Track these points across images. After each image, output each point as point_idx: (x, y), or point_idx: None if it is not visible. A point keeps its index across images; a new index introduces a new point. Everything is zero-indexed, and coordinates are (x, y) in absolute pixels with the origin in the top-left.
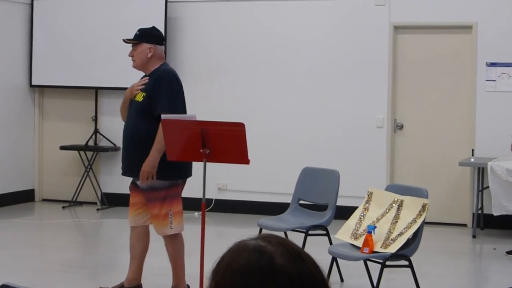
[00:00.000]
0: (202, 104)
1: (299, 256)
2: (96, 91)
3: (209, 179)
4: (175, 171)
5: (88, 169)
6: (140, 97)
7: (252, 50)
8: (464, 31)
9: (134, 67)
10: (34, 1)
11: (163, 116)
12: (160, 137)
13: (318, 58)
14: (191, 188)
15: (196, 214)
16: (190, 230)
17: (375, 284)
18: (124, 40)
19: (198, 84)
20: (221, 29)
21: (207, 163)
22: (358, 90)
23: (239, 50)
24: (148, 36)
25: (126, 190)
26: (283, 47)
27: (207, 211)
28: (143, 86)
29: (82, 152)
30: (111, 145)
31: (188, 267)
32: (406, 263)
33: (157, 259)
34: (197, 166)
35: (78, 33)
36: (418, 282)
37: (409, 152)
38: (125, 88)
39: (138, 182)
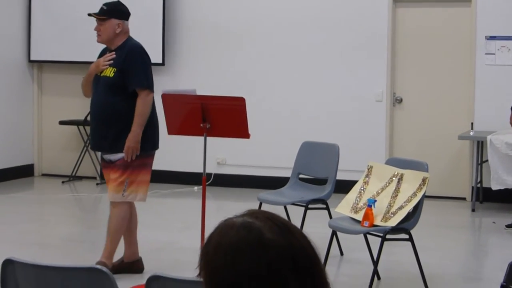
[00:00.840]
0: (202, 78)
1: (288, 229)
2: None
3: (208, 153)
4: (146, 144)
5: (87, 144)
6: (110, 72)
7: (252, 24)
8: (463, 5)
9: (99, 41)
10: None
11: (163, 91)
12: (141, 111)
13: (318, 32)
14: (190, 163)
15: (196, 188)
16: (189, 204)
17: (375, 257)
18: (90, 15)
19: (199, 58)
20: (220, 2)
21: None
22: (357, 64)
23: (240, 24)
24: (116, 12)
25: None
26: (283, 21)
27: (207, 185)
28: (111, 61)
29: (81, 127)
30: None
31: (187, 241)
32: (406, 236)
33: (155, 233)
34: (197, 141)
35: (76, 7)
36: (418, 256)
37: (409, 126)
38: None
39: (108, 156)
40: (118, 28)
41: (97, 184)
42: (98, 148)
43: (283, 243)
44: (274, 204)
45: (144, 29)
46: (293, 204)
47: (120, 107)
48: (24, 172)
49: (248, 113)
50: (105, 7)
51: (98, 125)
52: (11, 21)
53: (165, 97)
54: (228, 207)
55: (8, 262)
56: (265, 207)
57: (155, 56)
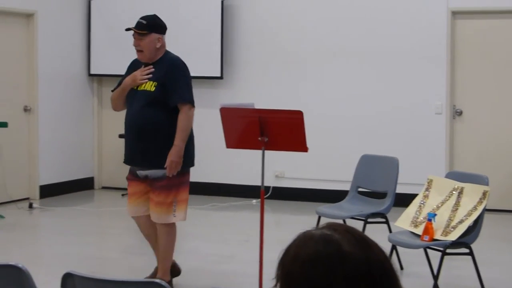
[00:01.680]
0: (260, 91)
1: (366, 243)
2: None
3: (267, 166)
4: (186, 160)
5: None
6: (150, 87)
7: (308, 36)
8: None
9: (140, 58)
10: None
11: (221, 104)
12: (184, 126)
13: (376, 44)
14: (249, 176)
15: (254, 201)
16: (247, 217)
17: (435, 272)
18: (130, 29)
19: (255, 71)
20: (277, 16)
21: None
22: (417, 76)
23: (295, 36)
24: (156, 26)
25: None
26: (340, 33)
27: (265, 198)
28: (150, 75)
29: None
30: None
31: (246, 254)
32: (467, 250)
33: (213, 246)
34: (255, 154)
35: (130, 21)
36: (479, 270)
37: (469, 138)
38: None
39: (144, 172)
40: (158, 43)
41: None
42: (135, 163)
43: (360, 257)
44: (332, 218)
45: (202, 42)
46: (352, 218)
47: (161, 122)
48: (84, 185)
49: (306, 126)
50: (144, 22)
51: (137, 140)
52: (72, 36)
53: (224, 110)
54: (287, 220)
55: (68, 276)
56: (324, 221)
57: (213, 69)
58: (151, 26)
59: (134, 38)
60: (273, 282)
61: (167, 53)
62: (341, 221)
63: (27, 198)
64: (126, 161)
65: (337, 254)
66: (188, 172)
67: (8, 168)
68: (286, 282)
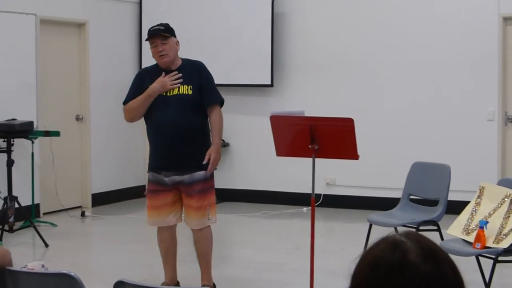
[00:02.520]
0: (311, 99)
1: (434, 256)
2: None
3: (318, 174)
4: None
5: None
6: (187, 90)
7: (358, 43)
8: None
9: (165, 62)
10: (143, 0)
11: (271, 112)
12: (220, 125)
13: (427, 51)
14: (299, 184)
15: (305, 209)
16: (298, 225)
17: (487, 279)
18: (154, 34)
19: (306, 79)
20: (327, 23)
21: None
22: (468, 82)
23: (346, 43)
24: (172, 31)
25: (236, 185)
26: (390, 40)
27: (316, 206)
28: (180, 80)
29: None
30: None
31: (297, 262)
32: None
33: (264, 254)
34: (306, 162)
35: (181, 30)
36: None
37: None
38: (231, 85)
39: (180, 177)
40: (178, 46)
41: None
42: (172, 169)
43: (423, 269)
44: (384, 225)
45: (253, 50)
46: (404, 225)
47: (199, 125)
48: (136, 193)
49: (357, 133)
50: (162, 27)
51: (178, 145)
52: (123, 45)
53: (274, 118)
54: (338, 228)
55: (119, 284)
56: (375, 229)
57: (263, 77)
58: (170, 30)
59: (156, 45)
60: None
61: (183, 58)
62: (392, 229)
63: (79, 207)
64: (158, 168)
65: (400, 262)
66: (213, 177)
67: (60, 176)
68: (353, 283)
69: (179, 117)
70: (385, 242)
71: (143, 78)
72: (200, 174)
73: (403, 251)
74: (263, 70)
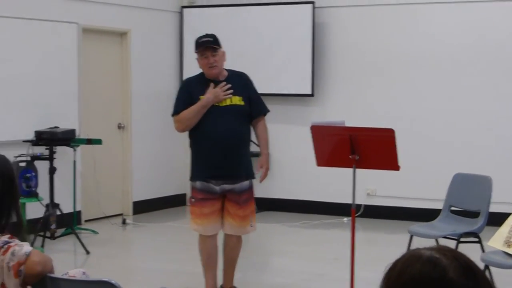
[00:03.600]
0: (351, 109)
1: (472, 272)
2: None
3: (358, 184)
4: (252, 172)
5: None
6: (239, 101)
7: (399, 53)
8: None
9: (214, 73)
10: (184, 9)
11: (312, 122)
12: (267, 135)
13: (468, 60)
14: (340, 194)
15: (345, 219)
16: (339, 236)
17: None
18: (207, 46)
19: (346, 88)
20: (368, 33)
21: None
22: (509, 91)
23: (386, 53)
24: (219, 41)
25: (276, 195)
26: (431, 49)
27: (356, 216)
28: (231, 90)
29: None
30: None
31: (336, 273)
32: None
33: (304, 263)
34: (346, 172)
35: (225, 41)
36: None
37: None
38: (271, 95)
39: (230, 186)
40: (224, 57)
41: None
42: (224, 177)
43: (463, 285)
44: (425, 237)
45: (293, 60)
46: (445, 237)
47: (249, 135)
48: (177, 201)
49: (398, 144)
50: (212, 39)
51: (231, 155)
52: (164, 54)
53: (314, 128)
54: (378, 239)
55: None
56: (416, 240)
57: (304, 87)
58: (218, 41)
59: (207, 56)
60: None
61: (225, 68)
62: (433, 241)
63: (121, 214)
64: (210, 177)
65: (441, 280)
66: None
67: (102, 184)
68: None
69: (233, 127)
70: (418, 260)
71: (191, 88)
72: (247, 183)
73: (442, 268)
74: (304, 79)
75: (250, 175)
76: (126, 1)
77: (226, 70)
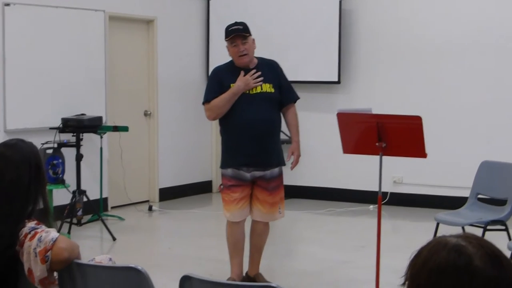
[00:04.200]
0: (379, 95)
1: (499, 261)
2: None
3: (385, 172)
4: (283, 159)
5: None
6: (270, 88)
7: (428, 41)
8: None
9: (244, 62)
10: None
11: (338, 110)
12: (297, 122)
13: (496, 48)
14: (366, 181)
15: (371, 207)
16: (365, 223)
17: None
18: (237, 32)
19: (373, 75)
20: (395, 20)
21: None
22: None
23: (415, 41)
24: (249, 29)
25: (302, 182)
26: (462, 37)
27: (382, 204)
28: (261, 78)
29: None
30: (286, 137)
31: (362, 260)
32: None
33: (330, 251)
34: (373, 159)
35: (251, 28)
36: None
37: None
38: (298, 82)
39: (260, 172)
40: (254, 45)
41: None
42: (257, 164)
43: (490, 274)
44: (451, 225)
45: (320, 47)
46: (471, 225)
47: (279, 122)
48: (203, 188)
49: (425, 131)
50: (241, 27)
51: (265, 140)
52: (191, 41)
53: (341, 116)
54: (404, 227)
55: (186, 278)
56: (442, 228)
57: (330, 74)
58: (248, 29)
59: (237, 45)
60: (401, 281)
61: (255, 56)
62: (459, 228)
63: (147, 201)
64: (241, 164)
65: (467, 268)
66: None
67: (128, 171)
68: (413, 285)
69: (265, 114)
70: (444, 247)
71: (221, 76)
72: (277, 170)
73: (468, 256)
74: (330, 67)
75: (281, 162)
76: None
77: (256, 57)
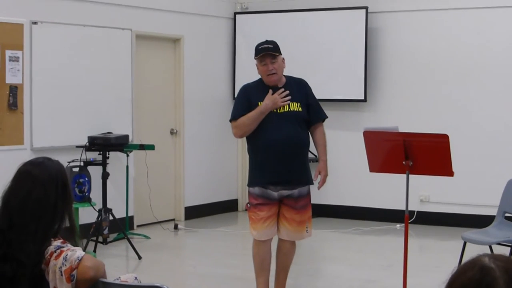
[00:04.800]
0: (405, 114)
1: None
2: None
3: (411, 190)
4: (311, 178)
5: None
6: (297, 107)
7: (453, 58)
8: None
9: (273, 81)
10: (237, 16)
11: (365, 128)
12: (325, 141)
13: None
14: (393, 200)
15: (398, 226)
16: (392, 242)
17: None
18: (266, 51)
19: (399, 94)
20: (421, 38)
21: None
22: None
23: (440, 58)
24: (279, 48)
25: (328, 201)
26: (488, 55)
27: (409, 223)
28: (289, 96)
29: None
30: (313, 156)
31: (389, 280)
32: None
33: (356, 270)
34: (399, 178)
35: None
36: None
37: None
38: (324, 100)
39: (288, 191)
40: (284, 64)
41: None
42: (284, 182)
43: None
44: (478, 243)
45: (346, 65)
46: (499, 243)
47: (307, 141)
48: (229, 207)
49: (452, 150)
50: (271, 46)
51: (293, 159)
52: (217, 60)
53: (367, 134)
54: (431, 246)
55: None
56: (469, 247)
57: (357, 92)
58: (278, 48)
59: (266, 64)
60: None
61: (284, 74)
62: (487, 247)
63: (173, 219)
64: (268, 183)
65: None
66: None
67: (154, 189)
68: None
69: (292, 133)
70: (472, 269)
71: (249, 94)
72: (306, 188)
73: (491, 280)
74: (357, 85)
75: (309, 181)
76: (180, 7)
77: (285, 76)
